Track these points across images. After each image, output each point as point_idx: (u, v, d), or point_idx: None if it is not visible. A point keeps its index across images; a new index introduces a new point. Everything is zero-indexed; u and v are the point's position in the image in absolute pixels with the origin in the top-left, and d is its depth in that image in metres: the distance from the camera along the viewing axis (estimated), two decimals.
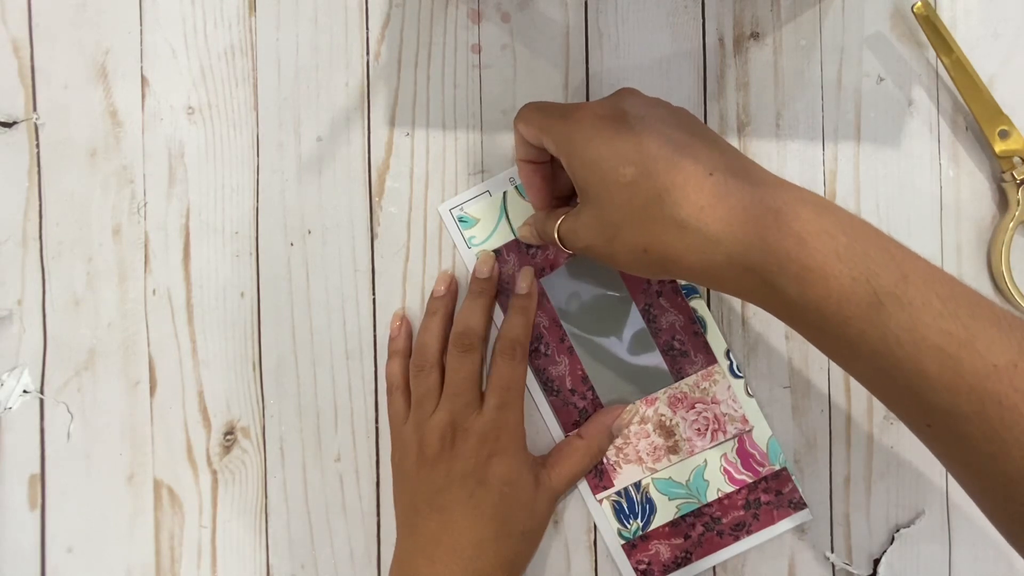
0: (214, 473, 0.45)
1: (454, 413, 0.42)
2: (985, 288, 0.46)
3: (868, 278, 0.32)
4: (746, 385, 0.45)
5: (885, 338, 0.31)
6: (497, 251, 0.45)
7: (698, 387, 0.45)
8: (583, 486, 0.45)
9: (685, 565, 0.45)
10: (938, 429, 0.32)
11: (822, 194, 0.46)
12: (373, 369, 0.46)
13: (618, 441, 0.45)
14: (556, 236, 0.40)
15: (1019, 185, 0.44)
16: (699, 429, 0.45)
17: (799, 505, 0.45)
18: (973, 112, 0.44)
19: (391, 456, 0.45)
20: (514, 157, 0.45)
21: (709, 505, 0.45)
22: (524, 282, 0.44)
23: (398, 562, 0.42)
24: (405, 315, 0.45)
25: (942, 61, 0.44)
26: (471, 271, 0.45)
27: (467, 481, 0.41)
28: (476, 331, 0.43)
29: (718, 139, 0.38)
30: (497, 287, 0.45)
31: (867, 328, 0.32)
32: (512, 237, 0.45)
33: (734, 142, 0.46)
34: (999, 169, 0.45)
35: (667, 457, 0.45)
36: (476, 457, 0.42)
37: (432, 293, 0.45)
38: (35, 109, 0.45)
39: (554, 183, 0.43)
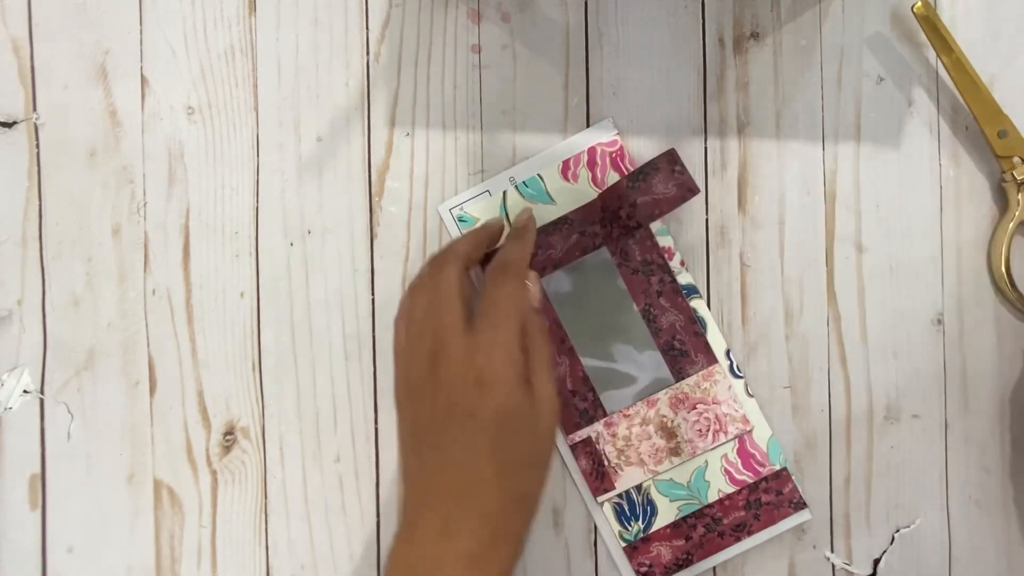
0: (214, 473, 0.45)
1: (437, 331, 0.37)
2: (985, 288, 0.46)
3: None
4: (746, 385, 0.45)
5: None
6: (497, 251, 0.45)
7: (699, 387, 0.45)
8: (584, 489, 0.45)
9: (686, 567, 0.44)
10: None
11: (822, 194, 0.46)
12: (372, 369, 0.46)
13: (620, 443, 0.45)
14: None
15: (1019, 185, 0.44)
16: (700, 430, 0.45)
17: (799, 505, 0.45)
18: (973, 112, 0.44)
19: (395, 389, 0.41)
20: (512, 159, 0.45)
21: (710, 506, 0.45)
22: (522, 216, 0.44)
23: (403, 516, 0.37)
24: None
25: (942, 61, 0.44)
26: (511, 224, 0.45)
27: (454, 412, 0.36)
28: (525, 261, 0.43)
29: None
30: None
31: None
32: None
33: (734, 142, 0.46)
34: (999, 169, 0.45)
35: (669, 459, 0.45)
36: (463, 387, 0.36)
37: (515, 223, 0.45)
38: (35, 109, 0.45)
39: None
